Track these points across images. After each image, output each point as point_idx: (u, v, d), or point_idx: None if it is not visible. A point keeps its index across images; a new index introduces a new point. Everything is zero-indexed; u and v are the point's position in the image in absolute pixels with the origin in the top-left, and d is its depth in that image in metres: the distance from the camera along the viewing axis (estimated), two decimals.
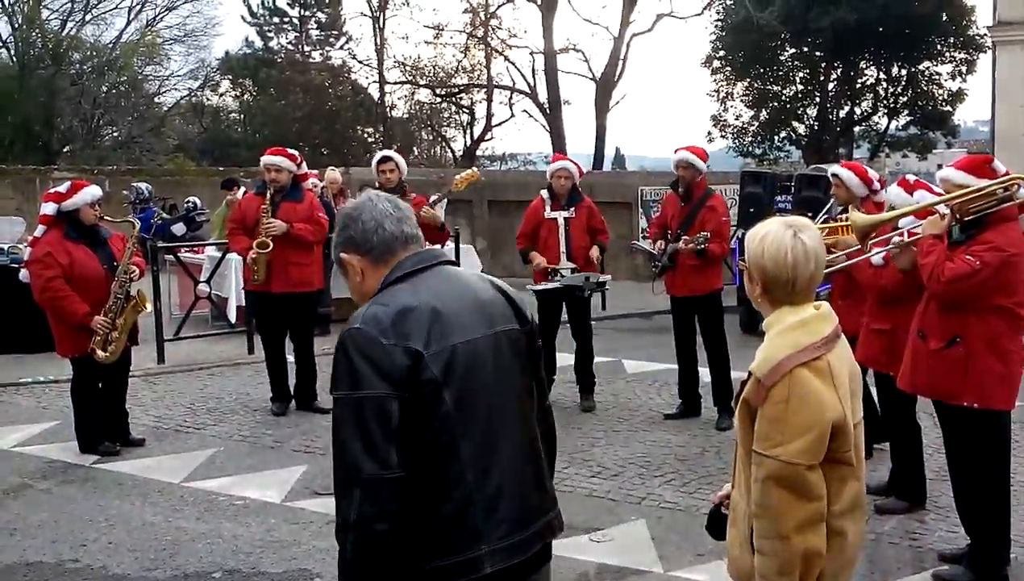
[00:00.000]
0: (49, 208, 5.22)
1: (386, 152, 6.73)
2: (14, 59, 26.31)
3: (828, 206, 5.19)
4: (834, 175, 5.11)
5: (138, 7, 27.70)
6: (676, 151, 6.06)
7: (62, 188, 5.29)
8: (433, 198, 6.43)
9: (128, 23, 27.93)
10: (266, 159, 6.26)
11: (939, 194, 4.04)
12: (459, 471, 1.82)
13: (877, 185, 5.06)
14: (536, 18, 27.15)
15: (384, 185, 6.40)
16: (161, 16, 28.71)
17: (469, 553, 1.81)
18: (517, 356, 1.98)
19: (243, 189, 10.67)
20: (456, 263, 2.12)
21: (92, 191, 5.29)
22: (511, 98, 28.92)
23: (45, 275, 5.07)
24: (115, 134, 28.21)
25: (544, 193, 6.49)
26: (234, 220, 6.48)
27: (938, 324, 3.69)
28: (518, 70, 28.30)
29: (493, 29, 27.89)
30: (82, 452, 5.39)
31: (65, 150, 26.30)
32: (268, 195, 6.17)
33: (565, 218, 6.33)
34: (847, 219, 4.63)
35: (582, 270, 6.30)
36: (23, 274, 5.56)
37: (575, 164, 6.65)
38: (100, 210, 5.38)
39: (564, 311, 6.51)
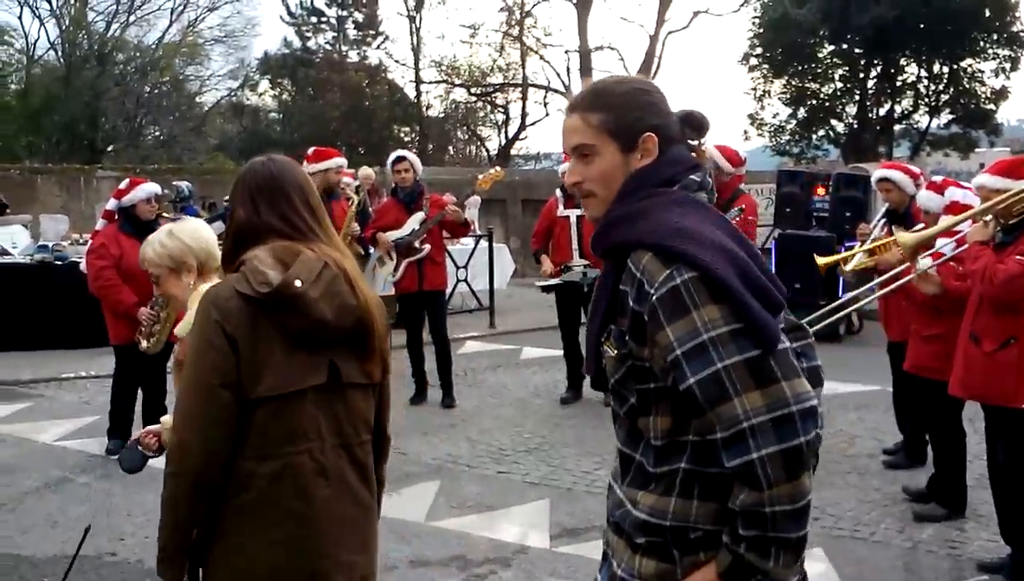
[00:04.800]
0: (111, 203, 5.54)
1: (401, 152, 6.77)
2: (61, 60, 26.92)
3: (883, 211, 5.14)
4: (885, 179, 5.03)
5: (180, 8, 28.19)
6: None
7: (123, 185, 5.56)
8: (460, 202, 6.54)
9: (170, 24, 28.43)
10: (340, 161, 6.48)
11: (969, 189, 4.01)
12: None
13: (921, 180, 5.07)
14: (571, 16, 27.12)
15: (400, 184, 6.55)
16: (202, 17, 29.18)
17: None
18: None
19: None
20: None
21: (147, 188, 5.52)
22: (546, 97, 28.93)
23: (97, 265, 5.32)
24: (157, 133, 28.69)
25: (558, 192, 6.58)
26: None
27: (992, 326, 3.65)
28: (553, 69, 28.46)
29: (528, 28, 27.91)
30: (108, 436, 5.52)
31: (109, 149, 26.81)
32: (355, 200, 6.41)
33: (577, 216, 6.36)
34: (882, 238, 4.64)
35: (595, 267, 6.34)
36: (83, 265, 5.78)
37: None
38: (159, 207, 5.58)
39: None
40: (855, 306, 5.74)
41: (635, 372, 1.57)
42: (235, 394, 1.82)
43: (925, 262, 4.16)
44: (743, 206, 5.79)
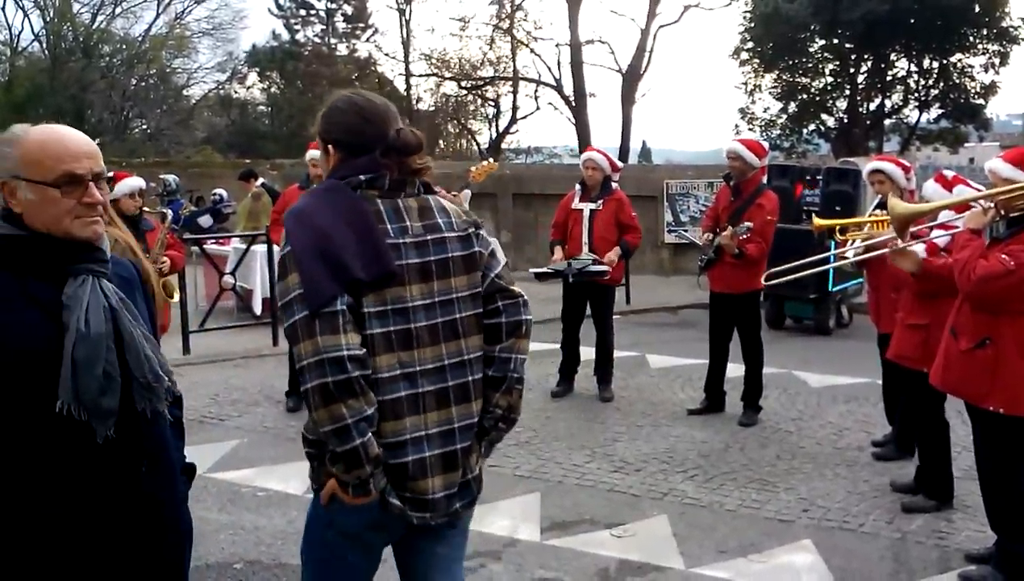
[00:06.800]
0: None
1: None
2: (46, 52, 26.73)
3: (876, 203, 5.17)
4: (878, 171, 5.04)
5: (167, 0, 28.01)
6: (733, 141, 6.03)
7: None
8: (455, 193, 6.51)
9: (157, 16, 28.29)
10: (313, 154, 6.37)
11: (978, 191, 3.95)
12: None
13: (911, 174, 5.11)
14: (562, 10, 27.09)
15: None
16: (190, 9, 29.03)
17: None
18: None
19: (261, 180, 10.74)
20: None
21: (131, 183, 5.45)
22: (536, 91, 28.89)
23: None
24: (144, 127, 28.55)
25: (578, 185, 6.59)
26: (277, 212, 6.63)
27: (970, 323, 3.60)
28: (544, 62, 28.40)
29: (519, 21, 27.85)
30: None
31: (96, 142, 26.52)
32: None
33: (591, 210, 6.38)
34: (881, 214, 4.63)
35: (601, 260, 6.34)
36: None
37: (606, 156, 6.65)
38: (141, 201, 5.51)
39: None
40: (829, 265, 5.61)
41: None
42: None
43: (918, 248, 4.13)
44: (751, 225, 5.63)
